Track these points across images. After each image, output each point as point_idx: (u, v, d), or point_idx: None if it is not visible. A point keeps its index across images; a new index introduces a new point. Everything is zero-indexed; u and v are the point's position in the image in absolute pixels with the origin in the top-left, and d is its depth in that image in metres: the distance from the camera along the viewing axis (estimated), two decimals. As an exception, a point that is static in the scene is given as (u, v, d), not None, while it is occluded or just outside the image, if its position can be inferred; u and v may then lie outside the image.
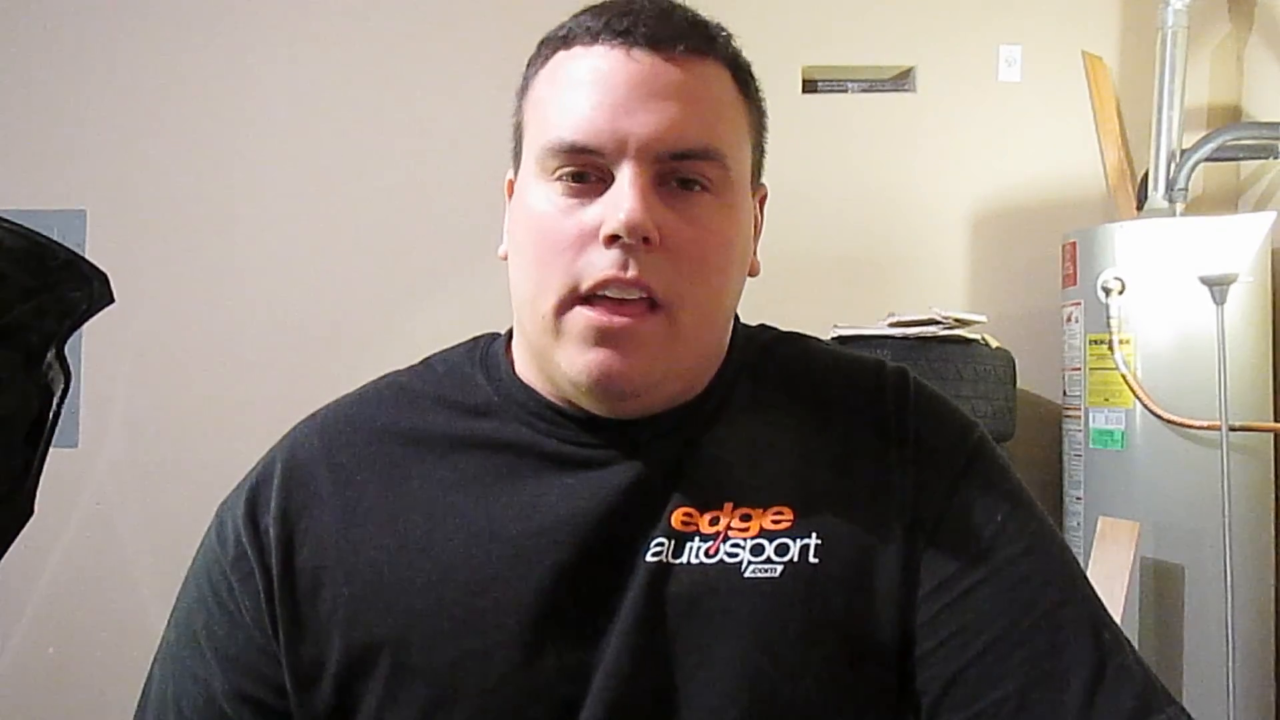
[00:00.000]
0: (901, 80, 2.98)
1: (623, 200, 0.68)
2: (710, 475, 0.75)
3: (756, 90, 0.79)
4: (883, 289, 2.83)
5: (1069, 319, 2.50)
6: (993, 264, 2.88)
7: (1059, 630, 0.70)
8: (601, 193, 0.70)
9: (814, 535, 0.72)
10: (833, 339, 2.45)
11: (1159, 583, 2.26)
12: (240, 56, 3.06)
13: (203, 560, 0.78)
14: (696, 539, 0.72)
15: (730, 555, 0.72)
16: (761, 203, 0.83)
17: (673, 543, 0.72)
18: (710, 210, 0.72)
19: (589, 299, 0.69)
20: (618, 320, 0.69)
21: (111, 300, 0.77)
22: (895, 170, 2.90)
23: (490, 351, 0.83)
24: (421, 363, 0.85)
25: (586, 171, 0.70)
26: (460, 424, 0.78)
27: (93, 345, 2.96)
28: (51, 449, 1.08)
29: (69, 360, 0.97)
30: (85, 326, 1.14)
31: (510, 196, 0.81)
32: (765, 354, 0.83)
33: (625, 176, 0.68)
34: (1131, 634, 2.23)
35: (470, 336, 0.87)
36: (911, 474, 0.75)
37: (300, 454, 0.78)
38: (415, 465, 0.76)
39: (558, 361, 0.72)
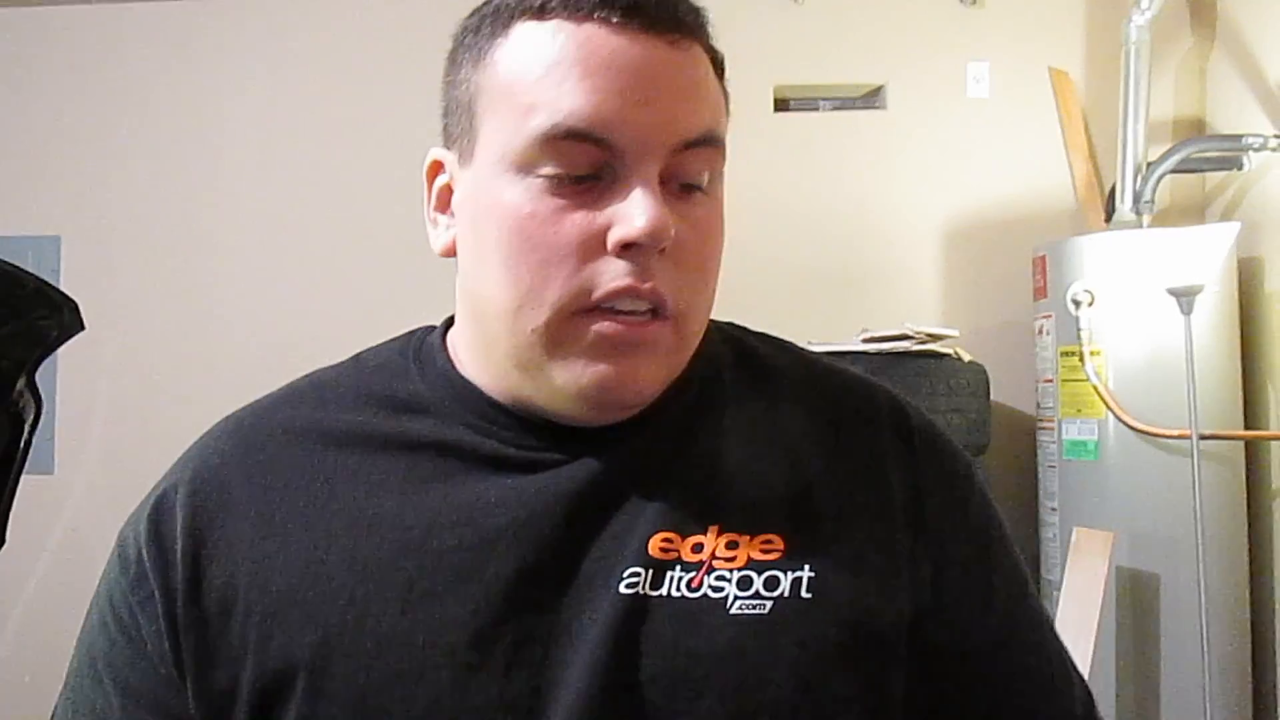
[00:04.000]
0: (872, 98, 3.01)
1: (643, 205, 0.61)
2: (693, 494, 0.68)
3: (724, 71, 0.71)
4: (855, 304, 2.85)
5: (1040, 331, 2.52)
6: (964, 278, 2.91)
7: (1055, 692, 0.73)
8: (599, 192, 0.62)
9: (806, 567, 0.66)
10: (808, 354, 2.46)
11: (1134, 591, 2.28)
12: (214, 82, 3.07)
13: (104, 584, 0.70)
14: (678, 568, 0.65)
15: (715, 589, 0.65)
16: None
17: (650, 572, 0.65)
18: (707, 210, 0.66)
19: (593, 310, 0.63)
20: (634, 331, 0.63)
21: (82, 328, 0.77)
22: (867, 187, 2.92)
23: (426, 344, 0.75)
24: (350, 358, 0.77)
25: (589, 170, 0.62)
26: (389, 422, 0.70)
27: (68, 372, 2.95)
28: (27, 476, 1.07)
29: (40, 387, 0.97)
30: (59, 353, 1.14)
31: (432, 180, 0.72)
32: (745, 358, 0.77)
33: (639, 177, 0.62)
34: (1108, 643, 2.24)
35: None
36: (919, 516, 0.71)
37: (210, 460, 0.70)
38: (339, 468, 0.69)
39: (551, 374, 0.65)
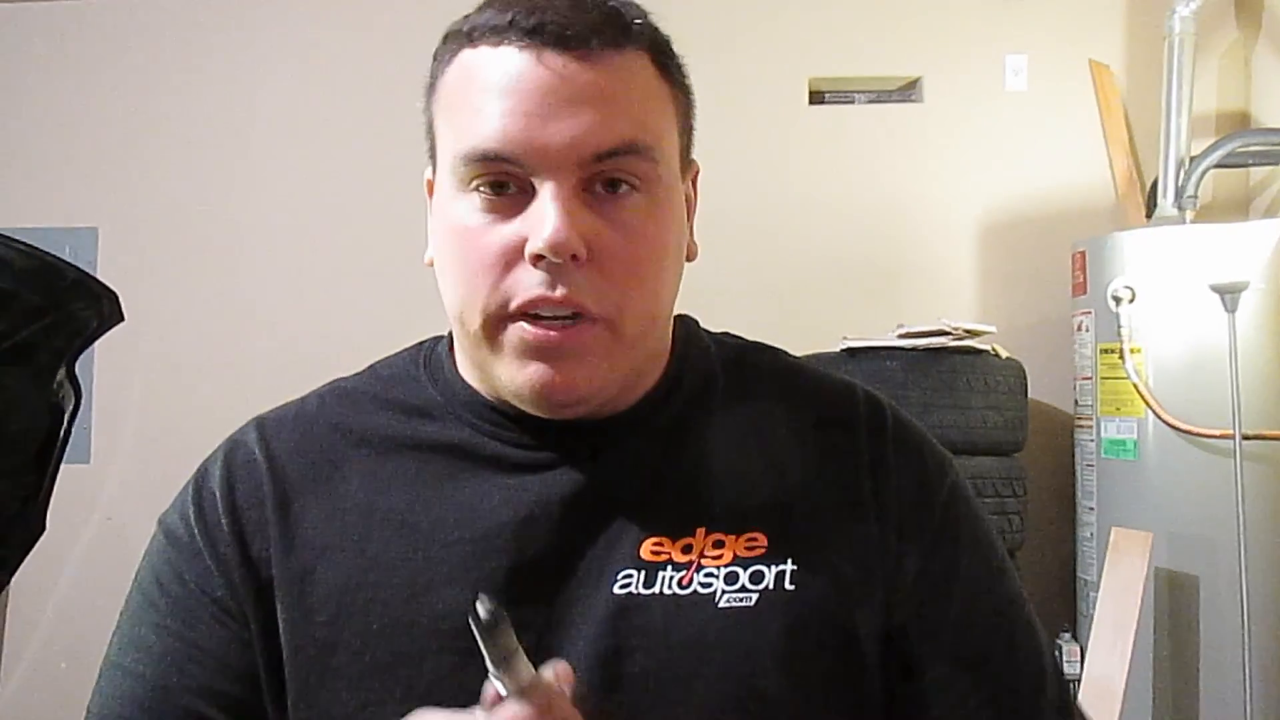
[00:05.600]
0: (908, 91, 2.98)
1: (546, 218, 0.64)
2: (682, 499, 0.72)
3: (679, 68, 0.73)
4: (892, 299, 2.83)
5: (1079, 328, 2.49)
6: (1002, 274, 2.88)
7: (1027, 685, 0.74)
8: (523, 204, 0.66)
9: (789, 561, 0.70)
10: (842, 350, 2.45)
11: (1173, 593, 2.25)
12: (249, 75, 3.09)
13: (147, 570, 0.75)
14: (669, 568, 0.69)
15: (704, 585, 0.69)
16: (694, 180, 0.78)
17: (643, 573, 0.69)
18: (640, 212, 0.68)
19: (517, 315, 0.66)
20: (554, 335, 0.66)
21: (121, 319, 0.78)
22: (903, 181, 2.90)
23: (435, 353, 0.80)
24: (367, 368, 0.81)
25: (505, 182, 0.66)
26: (402, 425, 0.75)
27: (104, 362, 2.98)
28: (64, 465, 1.08)
29: (79, 377, 0.98)
30: (97, 343, 1.14)
31: (431, 197, 0.76)
32: (735, 367, 0.80)
33: (546, 191, 0.65)
34: (1146, 645, 2.21)
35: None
36: (893, 512, 0.74)
37: (241, 453, 0.76)
38: (354, 465, 0.74)
39: (497, 374, 0.69)
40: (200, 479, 0.75)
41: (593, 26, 0.66)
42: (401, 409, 0.76)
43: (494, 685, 0.55)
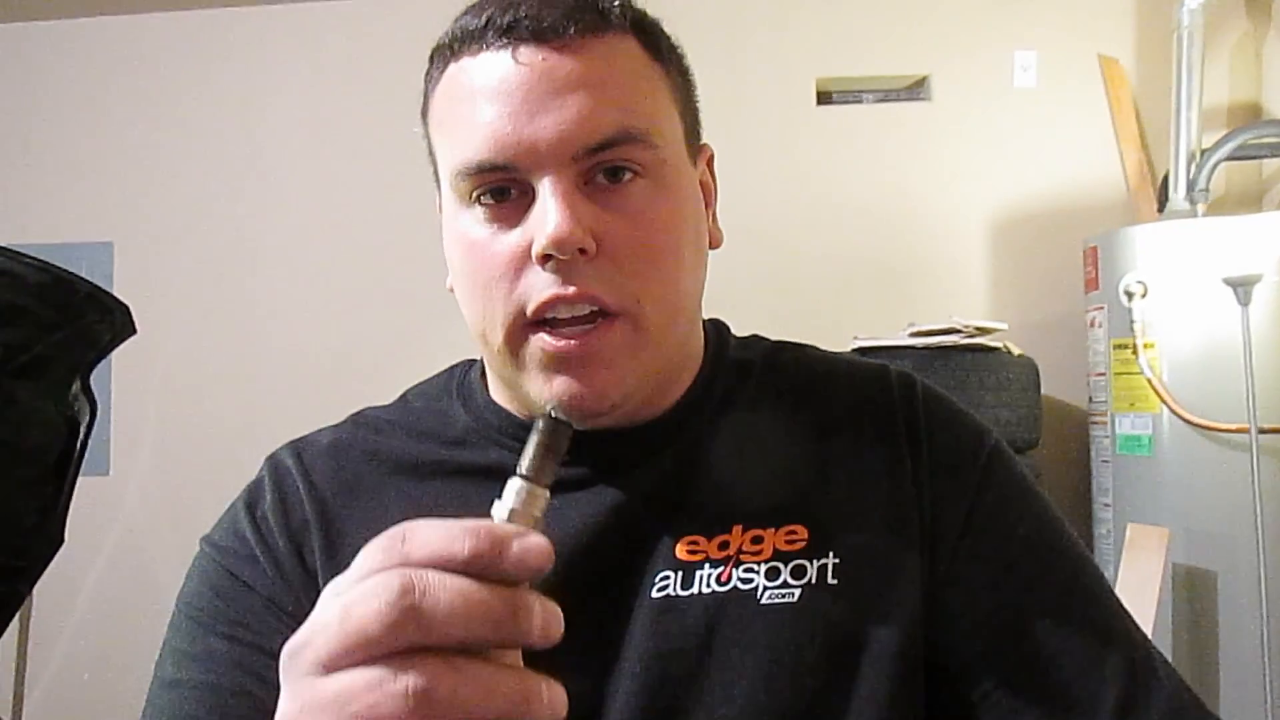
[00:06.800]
0: (916, 89, 2.98)
1: (547, 216, 0.62)
2: (715, 496, 0.71)
3: (672, 48, 0.71)
4: (903, 298, 2.82)
5: (1092, 324, 2.48)
6: (1013, 270, 2.87)
7: (1087, 651, 0.69)
8: (525, 208, 0.64)
9: (831, 554, 0.68)
10: (853, 350, 2.45)
11: (1191, 589, 2.24)
12: (263, 89, 3.11)
13: (199, 587, 0.72)
14: (706, 565, 0.68)
15: (744, 581, 0.68)
16: (709, 164, 0.76)
17: (680, 574, 0.68)
18: (647, 198, 0.66)
19: (539, 323, 0.65)
20: (575, 344, 0.64)
21: (134, 331, 0.79)
22: (913, 180, 2.89)
23: (467, 379, 0.79)
24: (398, 399, 0.80)
25: (505, 187, 0.65)
26: (438, 452, 0.74)
27: (122, 374, 3.00)
28: (83, 477, 1.10)
29: (95, 390, 0.99)
30: (114, 356, 1.16)
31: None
32: (767, 366, 0.79)
33: (545, 188, 0.63)
34: (1164, 642, 2.20)
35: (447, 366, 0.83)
36: (928, 487, 0.72)
37: (287, 479, 0.75)
38: (392, 492, 0.73)
39: (526, 390, 0.67)
40: (251, 502, 0.74)
41: (567, 14, 0.64)
42: (435, 439, 0.75)
43: (511, 490, 0.50)
